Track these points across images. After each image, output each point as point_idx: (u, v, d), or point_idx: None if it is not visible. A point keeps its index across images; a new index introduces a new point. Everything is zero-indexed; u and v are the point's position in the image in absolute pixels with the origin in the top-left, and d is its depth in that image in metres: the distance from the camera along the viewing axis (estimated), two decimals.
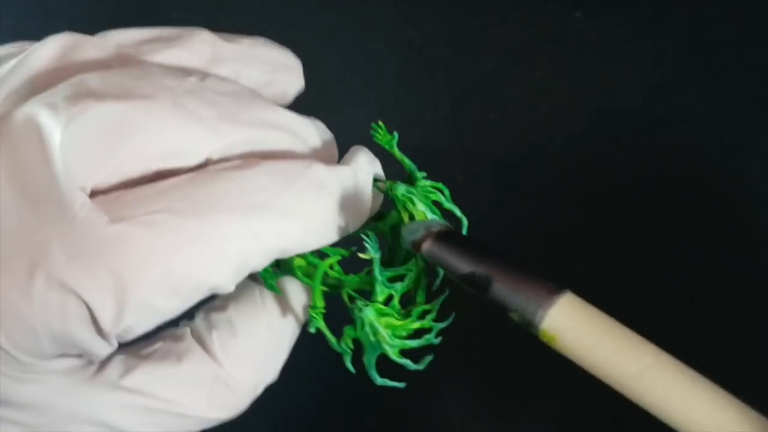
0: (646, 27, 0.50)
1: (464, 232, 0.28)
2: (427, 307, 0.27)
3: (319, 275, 0.27)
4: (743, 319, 0.45)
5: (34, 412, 0.25)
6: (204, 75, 0.27)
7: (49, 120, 0.24)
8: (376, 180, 0.28)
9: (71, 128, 0.24)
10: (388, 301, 0.27)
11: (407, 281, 0.27)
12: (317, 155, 0.28)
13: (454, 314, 0.27)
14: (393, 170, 0.29)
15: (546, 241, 0.47)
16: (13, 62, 0.26)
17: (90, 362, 0.26)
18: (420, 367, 0.26)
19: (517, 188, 0.48)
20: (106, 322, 0.23)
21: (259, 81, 0.29)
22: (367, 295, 0.27)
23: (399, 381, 0.26)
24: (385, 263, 0.28)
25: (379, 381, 0.27)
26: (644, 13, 0.51)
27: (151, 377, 0.26)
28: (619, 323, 0.24)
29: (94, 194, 0.24)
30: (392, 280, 0.27)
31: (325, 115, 0.30)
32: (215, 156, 0.26)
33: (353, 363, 0.27)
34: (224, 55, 0.29)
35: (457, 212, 0.28)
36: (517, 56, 0.51)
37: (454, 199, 0.28)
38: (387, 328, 0.26)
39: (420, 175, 0.28)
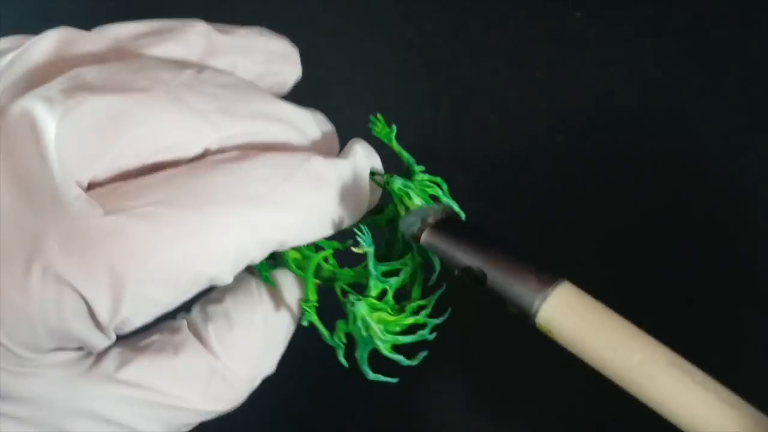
0: (646, 27, 0.50)
1: None
2: (422, 302, 0.27)
3: (310, 268, 0.27)
4: (743, 319, 0.45)
5: (32, 406, 0.25)
6: (201, 68, 0.27)
7: (45, 113, 0.24)
8: (373, 173, 0.28)
9: (66, 121, 0.24)
10: (382, 295, 0.27)
11: (402, 276, 0.27)
12: (317, 147, 0.28)
13: (450, 310, 0.26)
14: (392, 164, 0.29)
15: (545, 240, 0.47)
16: (10, 56, 0.26)
17: (87, 355, 0.26)
18: (413, 363, 0.26)
19: (516, 188, 0.48)
20: (102, 315, 0.23)
21: (257, 71, 0.29)
22: (363, 289, 0.27)
23: (397, 376, 0.26)
24: (382, 257, 0.28)
25: (371, 376, 0.26)
26: (644, 13, 0.51)
27: (147, 370, 0.26)
28: (615, 315, 0.24)
29: (91, 187, 0.24)
30: (388, 274, 0.27)
31: (325, 114, 0.30)
32: (213, 147, 0.26)
33: (348, 357, 0.27)
34: (220, 46, 0.29)
35: (455, 207, 0.28)
36: (517, 56, 0.51)
37: (454, 199, 0.28)
38: (379, 323, 0.26)
39: (418, 169, 0.28)
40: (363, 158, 0.28)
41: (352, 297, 0.26)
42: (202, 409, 0.27)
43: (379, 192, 0.28)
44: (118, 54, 0.27)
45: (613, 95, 0.49)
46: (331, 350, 0.27)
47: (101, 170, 0.24)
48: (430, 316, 0.27)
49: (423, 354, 0.26)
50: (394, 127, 0.28)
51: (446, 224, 0.26)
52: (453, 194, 0.28)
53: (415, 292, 0.27)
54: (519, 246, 0.46)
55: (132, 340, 0.27)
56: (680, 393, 0.22)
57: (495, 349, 0.45)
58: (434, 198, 0.28)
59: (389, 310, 0.27)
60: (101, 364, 0.26)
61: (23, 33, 0.28)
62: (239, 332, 0.27)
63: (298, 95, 0.30)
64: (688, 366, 0.23)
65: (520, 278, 0.24)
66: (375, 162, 0.28)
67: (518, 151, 0.49)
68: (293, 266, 0.28)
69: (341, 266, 0.28)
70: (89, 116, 0.24)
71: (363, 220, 0.28)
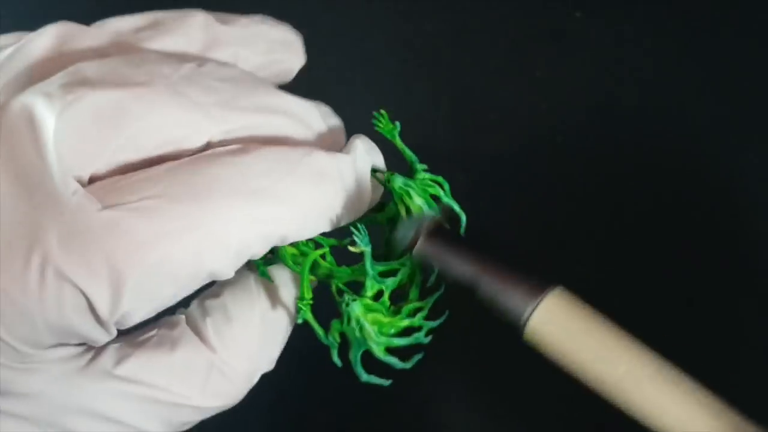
0: (646, 27, 0.50)
1: (462, 228, 0.28)
2: (418, 304, 0.27)
3: (307, 265, 0.27)
4: (743, 319, 0.45)
5: (32, 402, 0.25)
6: (202, 60, 0.27)
7: (44, 108, 0.24)
8: (375, 170, 0.28)
9: (65, 116, 0.24)
10: (378, 296, 0.26)
11: (399, 276, 0.27)
12: (322, 140, 0.27)
13: (447, 314, 0.26)
14: (394, 162, 0.29)
15: (545, 240, 0.47)
16: (9, 50, 0.26)
17: (86, 350, 0.26)
18: (407, 366, 0.26)
19: (516, 188, 0.48)
20: (103, 310, 0.23)
21: (260, 61, 0.29)
22: (360, 287, 0.27)
23: (394, 377, 0.26)
24: (381, 257, 0.28)
25: (364, 378, 0.26)
26: (644, 13, 0.51)
27: (145, 365, 0.26)
28: (603, 324, 0.24)
29: (93, 182, 0.24)
30: (386, 274, 0.27)
31: None
32: (215, 141, 0.25)
33: (343, 356, 0.27)
34: (222, 37, 0.28)
35: (456, 207, 0.28)
36: (517, 56, 0.51)
37: (454, 199, 0.28)
38: (374, 324, 0.26)
39: (420, 167, 0.28)
40: (364, 154, 0.27)
41: (347, 297, 0.26)
42: (200, 405, 0.26)
43: (380, 189, 0.28)
44: (118, 48, 0.27)
45: (613, 95, 0.49)
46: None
47: (102, 165, 0.24)
48: (428, 318, 0.27)
49: (418, 357, 0.26)
50: (398, 123, 0.28)
51: (438, 234, 0.26)
52: (453, 194, 0.28)
53: (413, 293, 0.27)
54: (518, 246, 0.46)
55: (131, 335, 0.26)
56: (666, 403, 0.22)
57: (494, 348, 0.45)
58: (435, 198, 0.28)
59: (385, 312, 0.26)
60: (99, 360, 0.26)
61: (23, 32, 0.27)
62: (237, 327, 0.27)
63: (297, 95, 0.30)
64: (674, 375, 0.23)
65: (509, 291, 0.25)
66: (377, 158, 0.28)
67: (518, 151, 0.49)
68: (290, 262, 0.28)
69: (340, 264, 0.28)
70: (89, 111, 0.24)
71: (363, 217, 0.28)
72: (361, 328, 0.26)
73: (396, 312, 0.27)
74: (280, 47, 0.30)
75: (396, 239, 0.26)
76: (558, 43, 0.51)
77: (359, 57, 0.52)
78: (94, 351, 0.26)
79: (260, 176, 0.25)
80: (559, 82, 0.50)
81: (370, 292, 0.26)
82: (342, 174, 0.26)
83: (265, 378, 0.28)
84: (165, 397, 0.26)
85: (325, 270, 0.28)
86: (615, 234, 0.47)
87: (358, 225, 0.26)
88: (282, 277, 0.28)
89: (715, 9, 0.50)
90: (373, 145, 0.28)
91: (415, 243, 0.26)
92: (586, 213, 0.47)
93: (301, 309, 0.27)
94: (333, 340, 0.27)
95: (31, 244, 0.23)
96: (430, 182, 0.28)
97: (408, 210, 0.27)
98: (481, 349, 0.45)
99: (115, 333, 0.25)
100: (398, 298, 0.27)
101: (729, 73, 0.49)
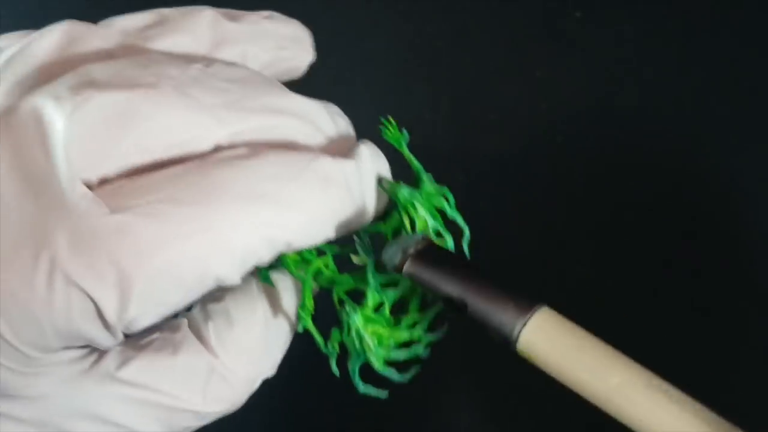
0: (646, 27, 0.50)
1: (466, 243, 0.28)
2: (418, 317, 0.27)
3: (310, 273, 0.27)
4: (743, 319, 0.45)
5: (35, 405, 0.25)
6: (209, 61, 0.26)
7: (53, 111, 0.24)
8: (380, 179, 0.27)
9: (74, 119, 0.24)
10: (379, 307, 0.26)
11: (400, 288, 0.27)
12: (330, 140, 0.27)
13: (446, 327, 0.26)
14: (397, 166, 0.29)
15: (545, 240, 0.47)
16: (14, 49, 0.26)
17: (90, 353, 0.26)
18: (405, 379, 0.26)
19: (516, 188, 0.48)
20: (110, 315, 0.23)
21: (268, 58, 0.29)
22: (362, 295, 0.27)
23: (392, 386, 0.26)
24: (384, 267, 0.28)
25: (362, 389, 0.26)
26: (644, 13, 0.51)
27: (147, 369, 0.26)
28: (593, 338, 0.24)
29: (102, 185, 0.24)
30: (388, 285, 0.27)
31: None
32: (224, 143, 0.25)
33: (342, 366, 0.27)
34: (229, 35, 0.28)
35: (460, 220, 0.27)
36: (517, 56, 0.51)
37: (454, 199, 0.28)
38: (373, 336, 0.26)
39: (426, 177, 0.28)
40: (370, 162, 0.27)
41: (348, 307, 0.26)
42: (201, 409, 0.26)
43: (385, 198, 0.28)
44: (125, 49, 0.27)
45: (613, 95, 0.49)
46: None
47: (110, 168, 0.24)
48: (427, 330, 0.26)
49: (415, 369, 0.26)
50: (406, 132, 0.28)
51: (427, 254, 0.26)
52: (453, 194, 0.28)
53: (413, 305, 0.27)
54: (518, 246, 0.46)
55: (134, 338, 0.26)
56: (658, 414, 0.23)
57: (494, 348, 0.45)
58: (440, 211, 0.27)
59: (384, 323, 0.26)
60: (102, 363, 0.26)
61: (26, 31, 0.27)
62: (239, 332, 0.27)
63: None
64: (665, 386, 0.23)
65: (499, 306, 0.25)
66: (382, 166, 0.28)
67: (518, 151, 0.49)
68: (293, 269, 0.27)
69: (342, 271, 0.28)
70: (96, 113, 0.24)
71: (368, 226, 0.28)
72: (361, 340, 0.26)
73: (396, 324, 0.26)
74: (289, 44, 0.29)
75: (384, 260, 0.26)
76: (558, 43, 0.51)
77: (359, 57, 0.52)
78: (98, 353, 0.26)
79: (267, 181, 0.24)
80: (559, 82, 0.50)
81: (370, 303, 0.26)
82: (348, 180, 0.26)
83: (265, 380, 0.28)
84: (166, 400, 0.26)
85: (328, 278, 0.28)
86: (615, 234, 0.47)
87: (361, 234, 0.26)
88: (284, 282, 0.28)
89: (715, 9, 0.50)
90: (379, 151, 0.28)
91: (403, 264, 0.26)
92: (586, 213, 0.47)
93: (302, 317, 0.27)
94: (332, 349, 0.26)
95: (39, 248, 0.23)
96: (435, 194, 0.27)
97: (413, 222, 0.27)
98: (481, 349, 0.45)
99: (121, 338, 0.24)
100: (399, 309, 0.27)
101: (729, 73, 0.49)
